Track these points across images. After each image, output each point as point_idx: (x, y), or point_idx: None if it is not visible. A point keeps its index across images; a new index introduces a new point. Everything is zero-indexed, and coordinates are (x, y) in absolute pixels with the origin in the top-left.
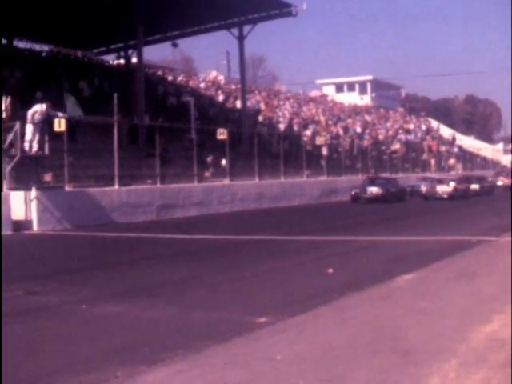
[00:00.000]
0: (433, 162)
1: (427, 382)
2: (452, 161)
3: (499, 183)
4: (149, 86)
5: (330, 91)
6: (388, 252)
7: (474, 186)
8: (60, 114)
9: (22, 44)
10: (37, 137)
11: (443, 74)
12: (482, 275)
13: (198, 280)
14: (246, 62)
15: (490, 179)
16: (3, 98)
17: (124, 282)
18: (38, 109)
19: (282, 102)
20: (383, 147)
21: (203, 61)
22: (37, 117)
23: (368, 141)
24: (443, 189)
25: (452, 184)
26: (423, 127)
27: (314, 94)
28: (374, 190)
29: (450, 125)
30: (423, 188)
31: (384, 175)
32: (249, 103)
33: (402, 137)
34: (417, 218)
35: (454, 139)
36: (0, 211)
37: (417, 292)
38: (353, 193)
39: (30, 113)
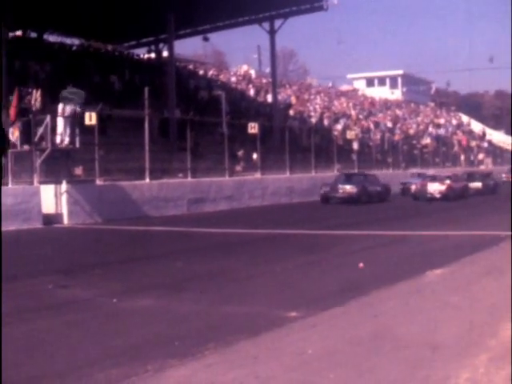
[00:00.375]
0: (462, 156)
1: (457, 377)
2: (481, 155)
3: None
4: (180, 79)
5: (360, 85)
6: (417, 246)
7: (476, 185)
8: (78, 109)
9: (52, 38)
10: (68, 130)
11: (473, 68)
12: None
13: (228, 274)
14: (277, 56)
15: (497, 176)
16: (33, 92)
17: (154, 275)
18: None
19: (312, 96)
20: (414, 142)
21: (234, 55)
22: (67, 110)
23: (399, 135)
24: (436, 187)
25: (447, 182)
26: (454, 122)
27: (344, 88)
28: (347, 188)
29: (480, 119)
30: (412, 186)
31: (360, 171)
32: (280, 97)
33: (433, 131)
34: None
35: (484, 134)
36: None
37: (447, 287)
38: (322, 191)
39: (60, 106)
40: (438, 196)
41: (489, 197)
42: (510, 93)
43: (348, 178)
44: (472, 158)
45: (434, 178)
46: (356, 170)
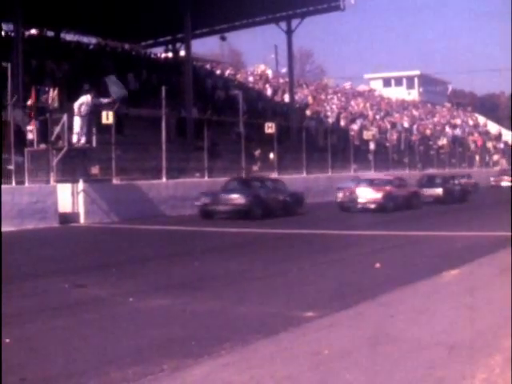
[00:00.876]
0: (477, 157)
1: (473, 377)
2: (497, 156)
3: (504, 184)
4: (197, 79)
5: (377, 86)
6: (434, 247)
7: (434, 191)
8: (105, 100)
9: (69, 36)
10: (84, 129)
11: (489, 69)
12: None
13: (244, 273)
14: (294, 56)
15: (465, 180)
16: (50, 90)
17: (171, 275)
18: (84, 100)
19: (329, 97)
20: (430, 142)
21: (251, 54)
22: (84, 108)
23: (416, 136)
24: (368, 195)
25: (386, 187)
26: (470, 122)
27: (361, 88)
28: (233, 198)
29: (496, 120)
30: (339, 194)
31: (258, 175)
32: (297, 97)
33: (449, 132)
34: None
35: (500, 135)
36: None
37: (463, 287)
38: (200, 203)
39: (76, 105)
40: (371, 206)
41: (453, 207)
42: None
43: (238, 185)
44: (487, 158)
45: (370, 183)
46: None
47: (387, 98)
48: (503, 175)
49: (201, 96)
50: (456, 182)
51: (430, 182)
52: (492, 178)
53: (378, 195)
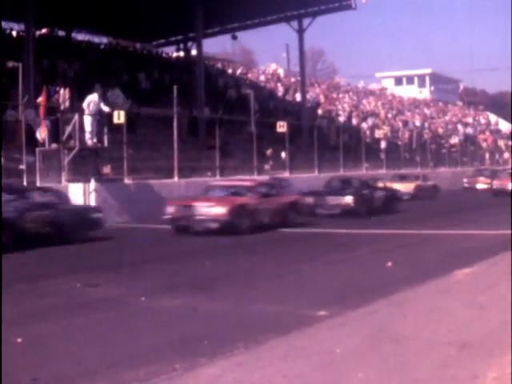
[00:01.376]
0: (487, 155)
1: (485, 376)
2: (507, 154)
3: (480, 186)
4: (208, 78)
5: (389, 84)
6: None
7: (341, 200)
8: (106, 109)
9: (80, 36)
10: (95, 129)
11: (501, 67)
12: None
13: (257, 272)
14: (306, 55)
15: (419, 182)
16: (61, 90)
17: (183, 274)
18: (92, 99)
19: (341, 95)
20: (442, 141)
21: (263, 53)
22: (92, 107)
23: (427, 134)
24: (210, 211)
25: (234, 199)
26: (482, 121)
27: (372, 86)
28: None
29: (508, 119)
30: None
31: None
32: (308, 96)
33: (461, 130)
34: None
35: (511, 133)
36: None
37: (475, 286)
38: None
39: (85, 104)
40: (212, 226)
41: (355, 222)
42: None
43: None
44: (497, 157)
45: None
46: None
47: (399, 97)
48: (479, 176)
49: (212, 95)
50: (379, 186)
51: (340, 187)
52: (465, 180)
53: (223, 210)
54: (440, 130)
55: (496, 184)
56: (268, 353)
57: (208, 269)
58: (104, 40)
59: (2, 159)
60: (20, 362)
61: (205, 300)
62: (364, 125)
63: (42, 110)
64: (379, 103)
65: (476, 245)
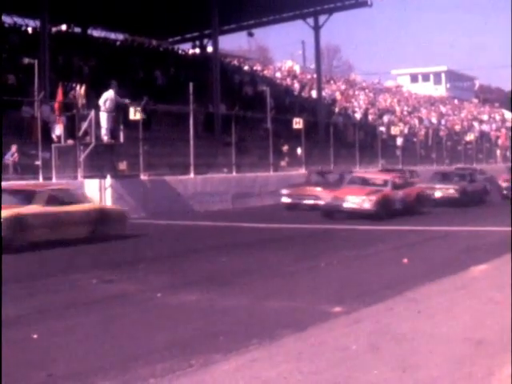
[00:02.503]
0: (498, 152)
1: (500, 373)
2: None
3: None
4: (224, 75)
5: (404, 81)
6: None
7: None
8: (126, 101)
9: (96, 32)
10: (111, 125)
11: None
12: None
13: (273, 269)
14: (322, 52)
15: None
16: (77, 87)
17: (199, 270)
18: (108, 96)
19: (357, 92)
20: (456, 138)
21: (278, 50)
22: (108, 104)
23: (443, 131)
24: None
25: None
26: (497, 118)
27: (388, 84)
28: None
29: None
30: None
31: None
32: (324, 93)
33: (476, 128)
34: None
35: None
36: None
37: (491, 283)
38: None
39: (101, 101)
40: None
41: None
42: None
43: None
44: (508, 154)
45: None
46: (399, 166)
47: (414, 94)
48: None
49: (228, 92)
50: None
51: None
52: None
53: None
54: (456, 127)
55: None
56: (283, 349)
57: (225, 264)
58: (120, 37)
59: (16, 155)
60: (36, 357)
61: (221, 296)
62: (380, 122)
63: (57, 107)
64: (395, 100)
65: (493, 241)
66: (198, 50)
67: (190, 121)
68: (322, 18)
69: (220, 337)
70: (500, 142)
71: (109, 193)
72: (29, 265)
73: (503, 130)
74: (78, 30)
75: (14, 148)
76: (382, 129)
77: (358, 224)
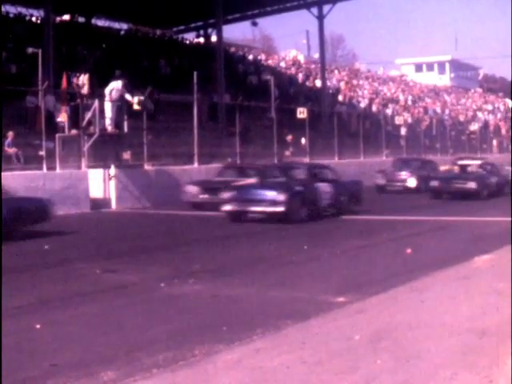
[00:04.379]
0: (495, 142)
1: (504, 364)
2: None
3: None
4: (229, 64)
5: (408, 71)
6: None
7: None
8: (129, 97)
9: (100, 22)
10: (115, 115)
11: None
12: None
13: (276, 259)
14: (326, 41)
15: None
16: (82, 76)
17: (202, 260)
18: (115, 86)
19: (361, 82)
20: (461, 127)
21: (283, 40)
22: (114, 94)
23: (448, 121)
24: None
25: None
26: (501, 108)
27: (392, 73)
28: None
29: None
30: None
31: None
32: (329, 82)
33: (481, 117)
34: None
35: None
36: None
37: (494, 273)
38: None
39: (107, 90)
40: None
41: None
42: None
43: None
44: (505, 144)
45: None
46: (405, 155)
47: (419, 84)
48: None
49: (233, 81)
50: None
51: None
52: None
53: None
54: (461, 117)
55: None
56: (287, 339)
57: (228, 254)
58: (124, 26)
59: (14, 148)
60: (39, 347)
61: (224, 286)
62: (385, 111)
63: (61, 96)
64: (399, 90)
65: (497, 231)
66: (202, 40)
67: (194, 110)
68: (326, 8)
69: (223, 327)
70: (504, 131)
71: (113, 183)
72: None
73: (502, 119)
74: (81, 19)
75: (10, 136)
76: (387, 117)
77: (356, 214)
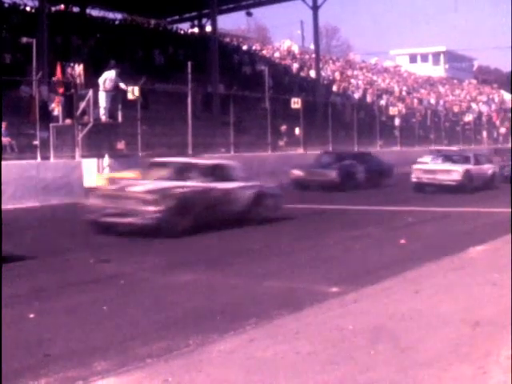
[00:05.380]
0: (484, 133)
1: (498, 355)
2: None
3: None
4: (223, 54)
5: (403, 62)
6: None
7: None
8: (124, 86)
9: (94, 12)
10: (109, 104)
11: None
12: None
13: (270, 249)
14: (321, 32)
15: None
16: (76, 66)
17: (197, 250)
18: (108, 76)
19: (356, 72)
20: (455, 118)
21: (277, 30)
22: (108, 84)
23: (442, 112)
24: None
25: None
26: (496, 99)
27: (387, 64)
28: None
29: None
30: None
31: None
32: (323, 73)
33: (475, 109)
34: None
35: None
36: None
37: (489, 264)
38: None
39: (101, 80)
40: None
41: None
42: None
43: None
44: (495, 134)
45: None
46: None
47: (413, 74)
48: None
49: (227, 71)
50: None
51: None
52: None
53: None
54: (455, 108)
55: None
56: (280, 329)
57: (222, 244)
58: (118, 16)
59: (7, 138)
60: (32, 337)
61: (217, 276)
62: (379, 102)
63: (56, 86)
64: (394, 80)
65: (493, 222)
66: (196, 30)
67: (189, 100)
68: None
69: (217, 316)
70: (498, 123)
71: (106, 172)
72: None
73: (495, 110)
74: (76, 9)
75: (3, 125)
76: (381, 108)
77: (352, 205)
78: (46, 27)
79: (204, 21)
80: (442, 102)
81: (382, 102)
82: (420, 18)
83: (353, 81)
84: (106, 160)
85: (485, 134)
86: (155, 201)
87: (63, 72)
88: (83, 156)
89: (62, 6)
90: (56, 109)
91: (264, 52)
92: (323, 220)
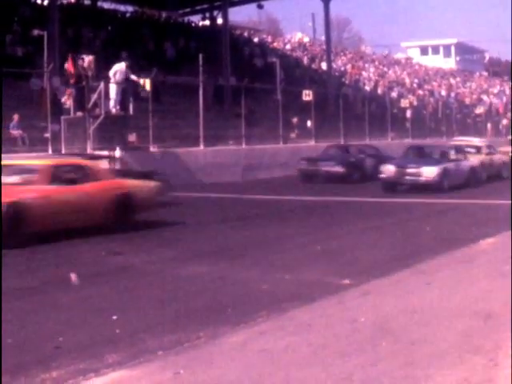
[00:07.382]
0: (489, 125)
1: (508, 347)
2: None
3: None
4: (234, 46)
5: (414, 54)
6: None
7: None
8: (135, 78)
9: (106, 4)
10: (121, 97)
11: None
12: None
13: (282, 241)
14: (332, 24)
15: None
16: (87, 59)
17: (208, 242)
18: (118, 68)
19: (367, 64)
20: (466, 110)
21: (288, 23)
22: (118, 76)
23: (453, 104)
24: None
25: None
26: (507, 91)
27: (398, 56)
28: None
29: None
30: None
31: None
32: (334, 65)
33: (486, 101)
34: None
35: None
36: None
37: (499, 256)
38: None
39: (111, 73)
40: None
41: None
42: None
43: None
44: (500, 127)
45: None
46: (410, 139)
47: (424, 67)
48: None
49: (238, 64)
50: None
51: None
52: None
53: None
54: (466, 100)
55: None
56: (292, 321)
57: (235, 237)
58: (130, 9)
59: (19, 130)
60: (43, 330)
61: (229, 268)
62: (390, 94)
63: (67, 78)
64: (405, 73)
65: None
66: (207, 22)
67: (200, 93)
68: None
69: (228, 309)
70: (508, 114)
71: (118, 165)
72: None
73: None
74: (87, 2)
75: (15, 119)
76: (392, 100)
77: (364, 197)
78: (58, 20)
79: (215, 13)
80: (453, 94)
81: (394, 94)
82: (431, 10)
83: (364, 73)
84: (118, 152)
85: (489, 125)
86: None
87: (75, 64)
88: (94, 149)
89: None
90: (67, 101)
91: (275, 44)
92: (330, 212)
